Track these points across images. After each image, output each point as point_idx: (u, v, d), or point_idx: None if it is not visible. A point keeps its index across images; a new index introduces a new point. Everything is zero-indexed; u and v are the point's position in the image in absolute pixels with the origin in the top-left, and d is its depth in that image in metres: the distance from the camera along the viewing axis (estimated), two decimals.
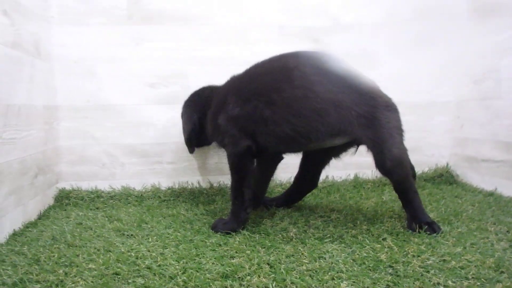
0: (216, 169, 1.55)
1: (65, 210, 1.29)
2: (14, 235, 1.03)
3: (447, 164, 1.63)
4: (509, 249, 0.87)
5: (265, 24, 1.52)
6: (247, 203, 1.03)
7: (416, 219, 1.00)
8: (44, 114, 1.29)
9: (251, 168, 1.05)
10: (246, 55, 1.53)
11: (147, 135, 1.49)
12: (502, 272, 0.76)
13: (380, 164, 0.96)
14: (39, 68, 1.27)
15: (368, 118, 0.94)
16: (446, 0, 1.56)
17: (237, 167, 1.04)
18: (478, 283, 0.71)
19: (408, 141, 1.03)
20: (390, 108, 0.97)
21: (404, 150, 0.98)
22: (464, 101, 1.57)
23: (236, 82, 1.12)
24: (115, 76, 1.44)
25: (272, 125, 0.98)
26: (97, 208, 1.30)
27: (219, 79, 1.52)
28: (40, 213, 1.24)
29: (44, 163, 1.28)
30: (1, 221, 0.99)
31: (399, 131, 0.98)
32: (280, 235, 0.99)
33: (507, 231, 0.98)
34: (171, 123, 1.50)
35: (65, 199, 1.36)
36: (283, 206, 1.27)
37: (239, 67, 1.52)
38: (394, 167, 0.95)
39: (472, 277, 0.74)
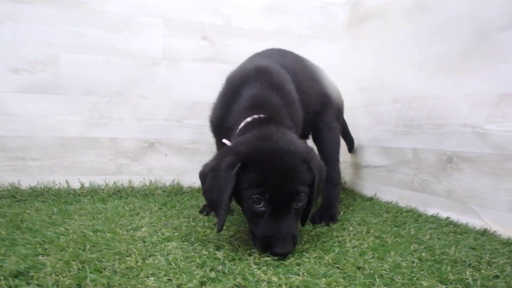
0: (90, 169, 1.38)
1: None
2: None
3: None
4: (358, 247, 0.84)
5: (149, 14, 1.43)
6: None
7: (329, 209, 1.10)
8: None
9: None
10: (127, 45, 1.43)
11: (8, 127, 1.28)
12: (338, 267, 0.72)
13: (315, 127, 1.23)
14: None
15: (324, 102, 1.24)
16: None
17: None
18: (309, 279, 0.66)
19: None
20: (335, 96, 1.31)
21: (337, 125, 1.28)
22: (354, 108, 1.62)
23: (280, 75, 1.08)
24: None
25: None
26: None
27: (96, 69, 1.38)
28: None
29: None
30: None
31: (339, 113, 1.34)
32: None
33: (367, 231, 0.97)
34: (38, 115, 1.31)
35: None
36: None
37: (119, 58, 1.40)
38: (326, 126, 1.22)
39: (303, 274, 0.69)
